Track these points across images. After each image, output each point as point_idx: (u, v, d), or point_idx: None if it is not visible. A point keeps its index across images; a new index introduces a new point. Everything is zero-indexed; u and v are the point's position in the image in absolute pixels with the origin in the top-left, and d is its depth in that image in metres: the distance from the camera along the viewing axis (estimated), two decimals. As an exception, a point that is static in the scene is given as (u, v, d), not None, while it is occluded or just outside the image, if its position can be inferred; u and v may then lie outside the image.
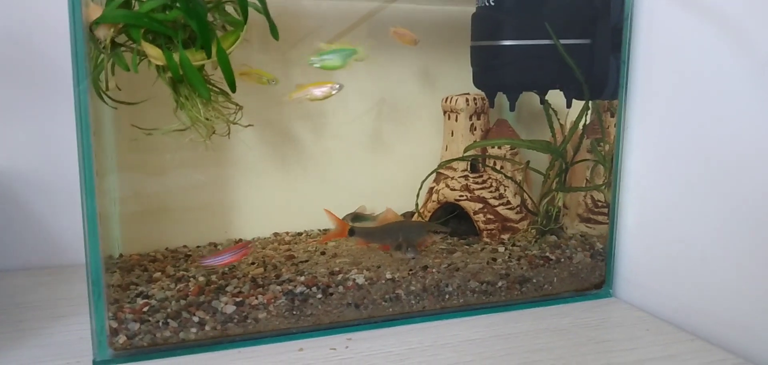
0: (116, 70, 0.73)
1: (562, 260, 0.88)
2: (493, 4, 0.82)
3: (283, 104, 0.96)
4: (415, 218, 0.98)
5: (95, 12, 0.67)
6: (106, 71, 0.73)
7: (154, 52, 0.70)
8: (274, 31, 0.76)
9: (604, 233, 0.92)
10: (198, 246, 0.92)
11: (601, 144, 0.92)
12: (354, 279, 0.78)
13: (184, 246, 0.92)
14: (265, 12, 0.74)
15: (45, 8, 0.95)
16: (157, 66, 0.72)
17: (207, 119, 0.76)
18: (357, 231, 0.84)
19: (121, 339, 0.68)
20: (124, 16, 0.69)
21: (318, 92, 0.78)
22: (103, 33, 0.69)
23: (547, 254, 0.89)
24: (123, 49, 0.72)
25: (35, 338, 0.74)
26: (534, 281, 0.86)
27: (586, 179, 0.95)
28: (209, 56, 0.71)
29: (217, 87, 0.76)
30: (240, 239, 0.95)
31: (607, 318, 0.83)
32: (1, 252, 0.99)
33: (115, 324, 0.69)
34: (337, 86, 0.79)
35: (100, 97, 0.73)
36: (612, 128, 0.90)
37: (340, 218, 1.00)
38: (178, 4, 0.69)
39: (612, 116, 0.90)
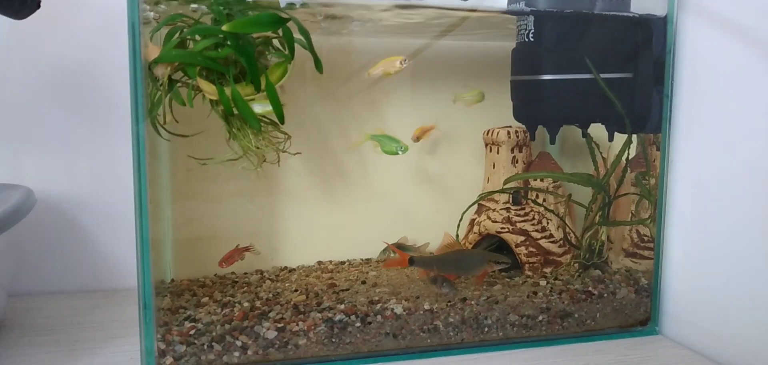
0: (173, 104, 0.78)
1: (606, 295, 0.87)
2: (532, 39, 0.83)
3: (332, 134, 0.99)
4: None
5: (154, 52, 0.72)
6: (164, 106, 0.77)
7: (208, 88, 0.74)
8: (318, 66, 0.79)
9: (650, 269, 0.90)
10: (245, 273, 0.95)
11: (646, 178, 0.91)
12: (392, 309, 0.80)
13: (232, 273, 0.95)
14: (310, 48, 0.77)
15: (105, 44, 1.02)
16: (211, 100, 0.76)
17: (257, 148, 0.80)
18: (417, 261, 0.86)
19: (169, 360, 0.71)
20: (180, 55, 0.74)
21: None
22: (161, 71, 0.73)
23: (590, 288, 0.88)
24: (179, 85, 0.77)
25: (89, 357, 0.78)
26: (576, 316, 0.85)
27: (632, 213, 0.94)
28: (258, 90, 0.75)
29: (266, 118, 0.80)
30: (285, 267, 0.98)
31: (651, 356, 0.81)
32: (60, 274, 1.05)
33: (163, 346, 0.72)
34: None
35: (156, 130, 0.77)
36: (657, 162, 0.89)
37: (382, 249, 1.03)
38: (228, 43, 0.73)
39: (658, 149, 0.89)
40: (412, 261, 0.86)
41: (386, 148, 0.88)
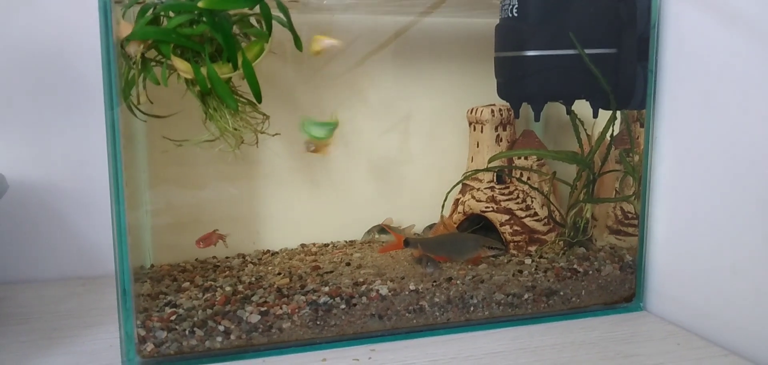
0: (147, 84, 0.75)
1: (591, 272, 0.87)
2: (516, 14, 0.81)
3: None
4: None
5: (126, 29, 0.70)
6: (137, 86, 0.75)
7: (183, 66, 0.72)
8: (297, 43, 0.77)
9: (635, 245, 0.90)
10: (227, 257, 0.94)
11: (631, 155, 0.91)
12: (378, 290, 0.79)
13: (213, 257, 0.93)
14: (289, 25, 0.75)
15: (77, 25, 0.98)
16: (186, 79, 0.74)
17: (235, 129, 0.78)
18: (412, 243, 0.86)
19: (149, 346, 0.70)
20: (153, 32, 0.71)
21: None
22: (134, 49, 0.71)
23: (575, 266, 0.87)
24: (153, 63, 0.74)
25: (66, 345, 0.76)
26: (561, 293, 0.85)
27: (616, 190, 0.94)
28: (235, 68, 0.73)
29: (244, 98, 0.78)
30: (267, 251, 0.97)
31: (636, 332, 0.81)
32: (36, 262, 1.02)
33: (143, 332, 0.70)
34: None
35: (131, 111, 0.75)
36: (642, 138, 0.88)
37: (367, 231, 1.02)
38: (204, 19, 0.70)
39: (641, 126, 0.89)
40: (407, 243, 0.85)
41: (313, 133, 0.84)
